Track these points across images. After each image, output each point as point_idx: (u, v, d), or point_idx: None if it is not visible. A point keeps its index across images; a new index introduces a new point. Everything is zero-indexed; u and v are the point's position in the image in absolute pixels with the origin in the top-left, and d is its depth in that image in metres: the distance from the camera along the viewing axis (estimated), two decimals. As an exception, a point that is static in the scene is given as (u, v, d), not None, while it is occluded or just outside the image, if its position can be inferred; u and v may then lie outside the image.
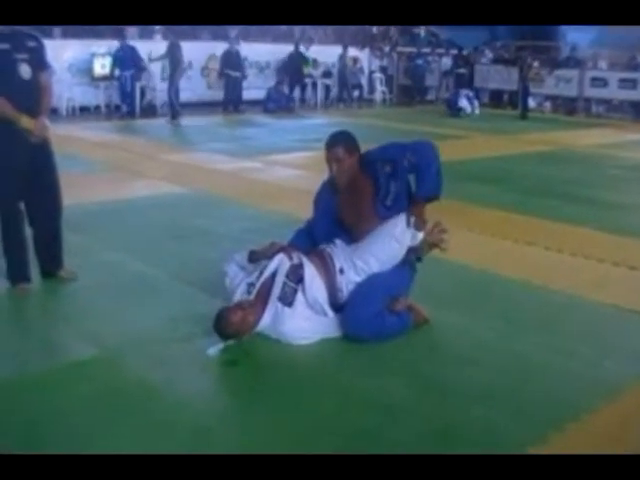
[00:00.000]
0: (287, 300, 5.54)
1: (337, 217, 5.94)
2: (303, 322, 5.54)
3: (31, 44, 6.29)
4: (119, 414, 4.50)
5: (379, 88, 26.52)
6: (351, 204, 5.88)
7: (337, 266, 5.66)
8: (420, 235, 5.73)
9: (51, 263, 6.66)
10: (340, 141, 5.87)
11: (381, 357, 5.36)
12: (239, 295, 5.67)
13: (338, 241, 5.81)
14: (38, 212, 6.46)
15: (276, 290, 5.55)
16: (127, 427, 4.35)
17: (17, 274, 6.41)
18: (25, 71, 6.19)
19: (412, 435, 4.36)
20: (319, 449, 4.14)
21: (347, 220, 5.90)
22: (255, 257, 5.83)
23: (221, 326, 5.39)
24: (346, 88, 25.26)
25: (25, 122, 6.14)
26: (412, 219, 5.65)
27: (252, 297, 5.58)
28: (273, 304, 5.52)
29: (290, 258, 5.66)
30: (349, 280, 5.64)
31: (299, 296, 5.57)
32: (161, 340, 5.54)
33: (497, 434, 4.38)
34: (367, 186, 5.80)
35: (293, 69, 24.09)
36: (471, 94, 23.41)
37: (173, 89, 18.98)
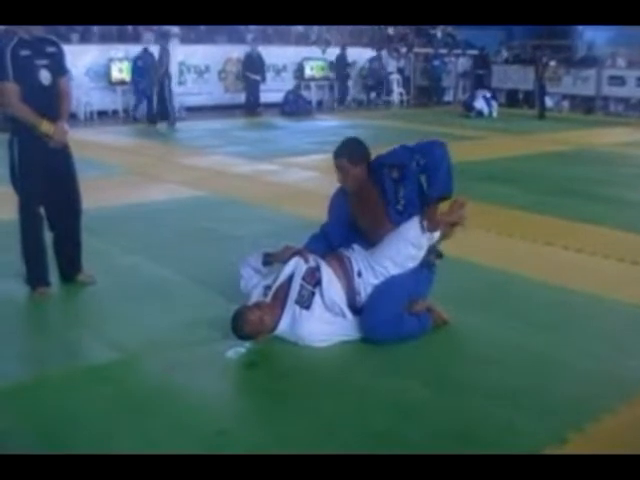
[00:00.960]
0: (304, 303, 5.54)
1: (352, 222, 5.94)
2: (321, 325, 5.53)
3: (51, 50, 6.34)
4: (138, 417, 4.51)
5: (396, 89, 26.47)
6: (364, 211, 5.90)
7: (355, 269, 5.65)
8: (437, 235, 5.71)
9: (70, 267, 6.69)
10: (344, 152, 5.90)
11: (399, 358, 5.35)
12: (255, 297, 5.67)
13: (356, 245, 5.80)
14: (58, 216, 6.51)
15: (293, 293, 5.54)
16: (145, 430, 4.36)
17: (37, 278, 6.42)
18: (45, 77, 6.24)
19: (430, 435, 4.35)
20: (337, 449, 4.14)
21: (362, 225, 5.90)
22: (270, 260, 5.84)
23: (238, 325, 5.40)
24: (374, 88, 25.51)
25: (45, 127, 6.18)
26: (425, 223, 5.61)
27: (269, 299, 5.58)
28: (290, 307, 5.52)
29: (306, 261, 5.65)
30: (367, 283, 5.63)
31: (317, 299, 5.56)
32: (179, 343, 5.55)
33: (516, 434, 4.36)
34: (376, 193, 5.81)
35: (339, 70, 24.57)
36: (488, 95, 23.34)
37: (167, 94, 18.94)
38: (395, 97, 26.47)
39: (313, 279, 5.59)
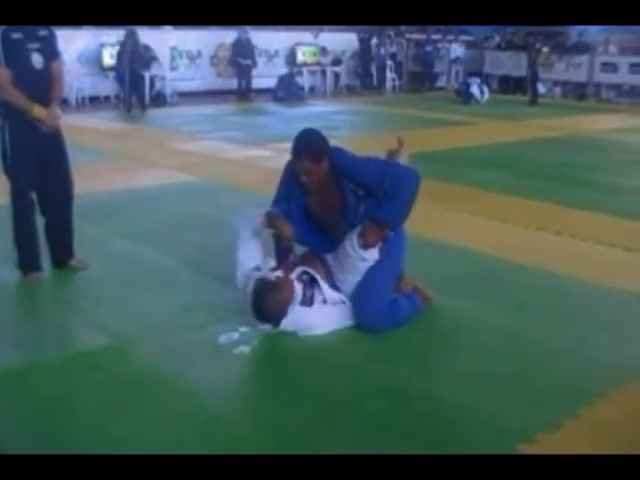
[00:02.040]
0: (307, 302, 5.54)
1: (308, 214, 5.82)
2: (321, 315, 5.52)
3: (43, 33, 6.26)
4: (131, 402, 4.51)
5: (389, 75, 26.42)
6: (321, 208, 5.73)
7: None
8: (375, 251, 5.58)
9: (62, 252, 6.68)
10: (304, 152, 5.48)
11: (392, 343, 5.36)
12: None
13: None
14: (49, 201, 6.48)
15: (297, 296, 5.51)
16: (140, 415, 4.36)
17: (28, 263, 6.41)
18: (37, 60, 6.20)
19: (423, 421, 4.36)
20: (330, 435, 4.17)
21: (319, 218, 5.80)
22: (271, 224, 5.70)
23: (267, 301, 5.35)
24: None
25: (37, 111, 6.15)
26: (361, 241, 5.49)
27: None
28: (293, 308, 5.49)
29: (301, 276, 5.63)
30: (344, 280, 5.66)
31: (317, 295, 5.56)
32: (173, 329, 5.55)
33: (509, 420, 4.37)
34: (336, 202, 5.63)
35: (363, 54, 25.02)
36: (478, 80, 23.33)
37: (136, 79, 18.85)
38: (387, 83, 26.42)
39: (309, 280, 5.61)
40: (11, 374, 4.85)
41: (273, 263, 5.56)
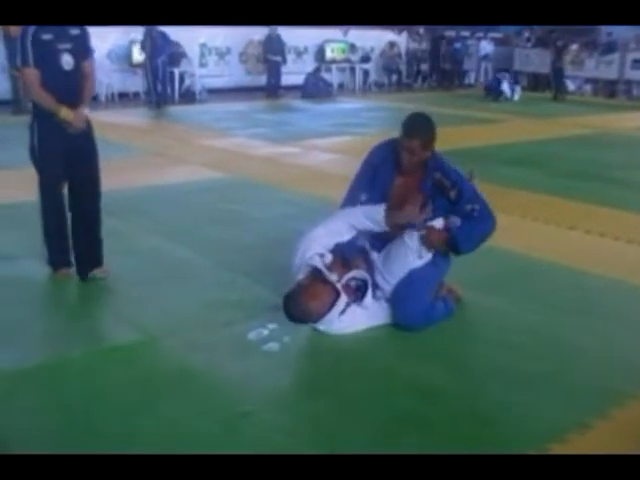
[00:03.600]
0: (357, 299, 5.55)
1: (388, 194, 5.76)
2: (354, 316, 5.49)
3: (74, 32, 6.15)
4: (160, 397, 4.52)
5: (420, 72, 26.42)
6: (401, 196, 5.67)
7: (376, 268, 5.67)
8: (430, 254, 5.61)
9: (88, 259, 6.46)
10: (418, 134, 5.55)
11: (421, 341, 5.34)
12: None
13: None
14: (77, 198, 6.39)
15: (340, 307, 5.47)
16: (168, 410, 4.36)
17: (58, 259, 6.40)
18: (67, 62, 6.09)
19: (452, 418, 4.34)
20: (360, 433, 4.16)
21: (393, 201, 5.78)
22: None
23: (300, 299, 5.35)
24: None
25: (64, 113, 6.06)
26: (423, 240, 5.52)
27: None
28: (341, 303, 5.46)
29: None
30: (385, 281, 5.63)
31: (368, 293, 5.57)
32: (202, 325, 5.55)
33: (539, 420, 4.34)
34: (415, 194, 5.63)
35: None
36: (508, 76, 23.25)
37: (152, 75, 18.88)
38: (419, 80, 26.38)
39: (356, 287, 5.60)
40: (41, 370, 4.87)
41: (329, 259, 5.54)
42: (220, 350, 5.17)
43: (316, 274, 5.42)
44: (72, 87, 6.18)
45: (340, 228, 5.60)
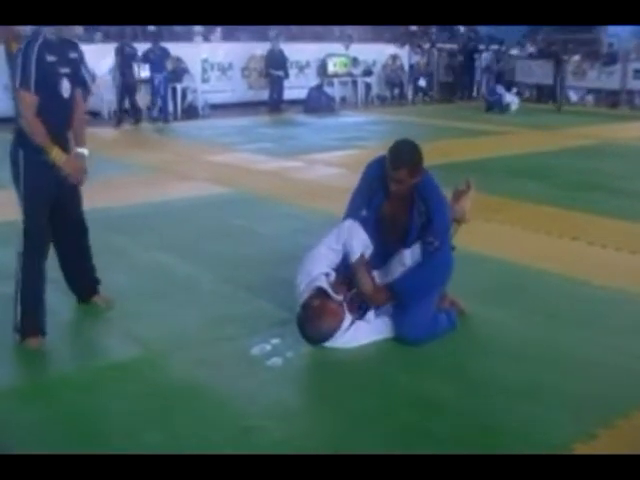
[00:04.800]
0: (361, 315, 5.58)
1: (378, 218, 5.80)
2: (358, 332, 5.51)
3: (73, 55, 5.59)
4: (164, 413, 4.52)
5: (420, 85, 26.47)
6: (392, 218, 5.72)
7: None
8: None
9: (84, 289, 6.18)
10: (405, 163, 5.48)
11: (424, 354, 5.35)
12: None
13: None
14: (65, 236, 5.91)
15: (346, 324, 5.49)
16: (172, 426, 4.37)
17: (31, 325, 5.51)
18: (66, 88, 5.50)
19: (457, 430, 4.35)
20: (362, 445, 4.16)
21: (387, 228, 5.77)
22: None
23: (315, 317, 5.35)
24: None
25: (56, 155, 5.44)
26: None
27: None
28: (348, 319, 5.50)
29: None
30: None
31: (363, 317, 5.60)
32: (205, 340, 5.56)
33: (543, 429, 4.35)
34: (406, 217, 5.67)
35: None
36: (503, 89, 23.27)
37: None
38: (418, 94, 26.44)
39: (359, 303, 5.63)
40: (44, 386, 4.89)
41: (333, 277, 5.56)
42: (224, 365, 5.18)
43: (322, 294, 5.42)
44: (67, 118, 5.64)
45: (338, 247, 5.60)
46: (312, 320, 5.34)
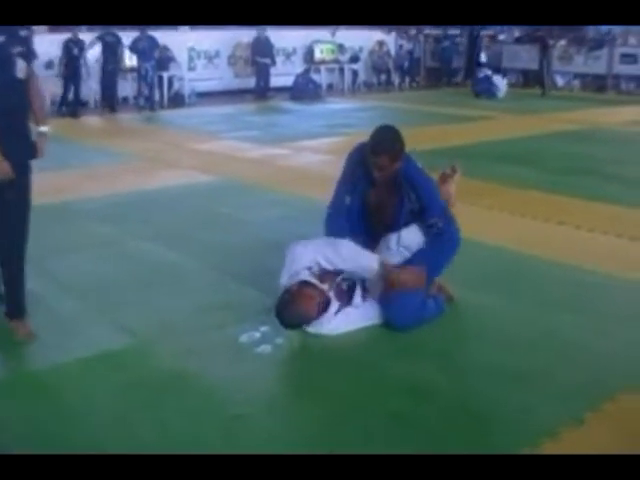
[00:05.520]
0: (347, 301, 5.56)
1: (364, 205, 5.82)
2: (346, 318, 5.50)
3: (24, 33, 5.19)
4: (152, 402, 4.52)
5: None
6: (378, 203, 5.73)
7: None
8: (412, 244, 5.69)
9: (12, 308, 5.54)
10: (385, 149, 5.47)
11: (413, 340, 5.35)
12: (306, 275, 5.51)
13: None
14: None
15: (333, 310, 5.50)
16: (160, 415, 4.36)
17: None
18: (21, 69, 5.13)
19: (447, 418, 4.34)
20: (353, 433, 4.17)
21: (373, 212, 5.79)
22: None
23: (290, 305, 5.33)
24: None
25: None
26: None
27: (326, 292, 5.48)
28: (333, 306, 5.50)
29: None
30: None
31: (357, 293, 5.59)
32: (194, 328, 5.55)
33: (533, 416, 4.36)
34: (392, 201, 5.67)
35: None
36: (489, 72, 23.28)
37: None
38: (405, 79, 26.41)
39: (347, 288, 5.62)
40: (33, 376, 4.87)
41: (317, 270, 5.54)
42: (213, 353, 5.17)
43: (305, 283, 5.42)
44: (24, 101, 5.27)
45: (333, 258, 5.58)
46: (288, 304, 5.32)
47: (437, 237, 5.61)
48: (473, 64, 26.71)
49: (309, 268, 5.52)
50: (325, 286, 5.44)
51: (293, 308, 5.32)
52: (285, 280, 5.50)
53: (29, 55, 5.28)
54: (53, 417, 4.37)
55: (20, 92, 5.21)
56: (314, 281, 5.41)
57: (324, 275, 5.51)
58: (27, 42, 5.25)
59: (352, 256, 5.52)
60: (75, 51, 18.04)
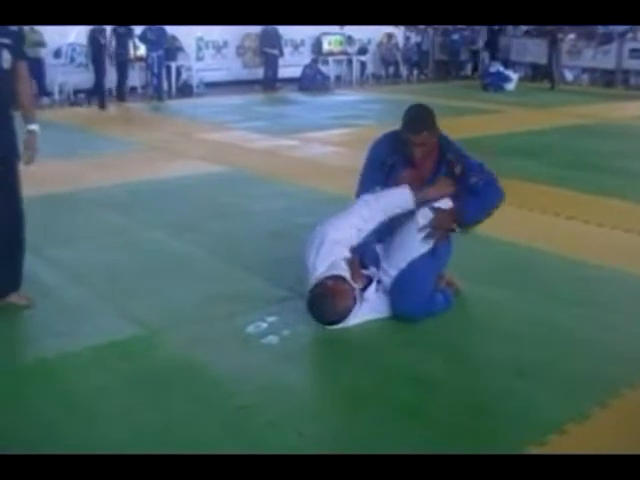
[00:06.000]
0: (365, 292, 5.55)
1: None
2: (357, 311, 5.48)
3: (13, 27, 5.26)
4: (159, 391, 4.53)
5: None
6: (414, 183, 5.66)
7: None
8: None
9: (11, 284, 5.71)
10: (425, 126, 5.54)
11: (421, 333, 5.35)
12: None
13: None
14: None
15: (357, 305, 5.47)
16: (166, 404, 4.37)
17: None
18: (6, 59, 5.19)
19: (452, 411, 4.34)
20: (358, 425, 4.17)
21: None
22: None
23: (328, 301, 5.28)
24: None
25: None
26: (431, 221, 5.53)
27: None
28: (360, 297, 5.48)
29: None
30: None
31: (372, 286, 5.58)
32: (201, 318, 5.56)
33: (539, 410, 4.35)
34: (428, 177, 5.66)
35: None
36: (501, 68, 23.24)
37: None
38: (414, 72, 26.37)
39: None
40: (41, 365, 4.88)
41: (350, 259, 5.49)
42: (219, 343, 5.17)
43: (340, 279, 5.36)
44: (9, 90, 5.32)
45: (359, 223, 5.54)
46: (326, 298, 5.26)
47: (483, 189, 5.60)
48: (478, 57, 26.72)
49: (346, 259, 5.46)
50: (357, 285, 5.42)
51: (333, 303, 5.27)
52: (322, 269, 5.39)
53: (18, 49, 5.34)
54: (60, 405, 4.38)
55: (5, 82, 5.24)
56: (349, 279, 5.36)
57: (354, 271, 5.46)
58: (16, 36, 5.31)
59: (385, 198, 5.53)
60: (101, 40, 18.04)
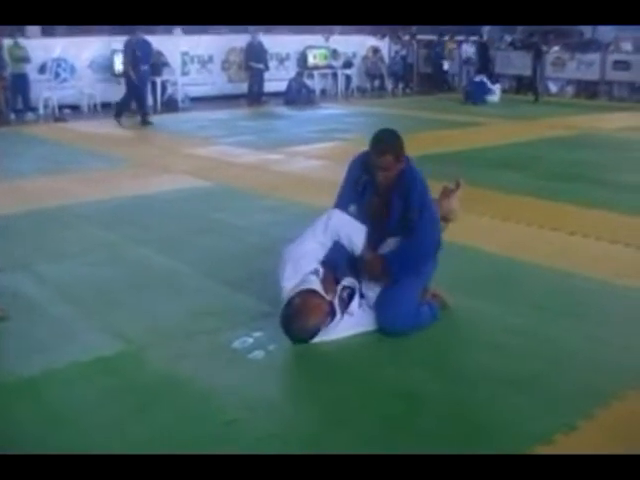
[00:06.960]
0: (345, 308, 5.54)
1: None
2: (342, 325, 5.47)
3: None
4: (145, 407, 4.50)
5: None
6: (376, 210, 5.67)
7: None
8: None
9: None
10: (389, 149, 5.48)
11: (407, 345, 5.34)
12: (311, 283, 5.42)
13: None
14: None
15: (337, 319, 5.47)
16: (153, 420, 4.35)
17: None
18: None
19: (439, 424, 4.34)
20: (346, 439, 4.15)
21: (371, 219, 5.75)
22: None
23: (300, 316, 5.25)
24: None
25: None
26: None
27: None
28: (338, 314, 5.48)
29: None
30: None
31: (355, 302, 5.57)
32: (187, 334, 5.54)
33: (526, 422, 4.35)
34: (387, 207, 5.63)
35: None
36: (486, 80, 23.32)
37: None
38: (399, 85, 26.44)
39: (347, 297, 5.58)
40: (26, 381, 4.86)
41: (322, 273, 5.49)
42: (205, 359, 5.16)
43: (311, 293, 5.35)
44: None
45: (326, 240, 5.55)
46: (296, 317, 5.26)
47: (412, 230, 5.51)
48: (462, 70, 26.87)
49: (315, 272, 5.47)
50: (330, 296, 5.42)
51: (303, 321, 5.26)
52: (290, 285, 5.41)
53: None
54: (45, 422, 4.36)
55: None
56: (321, 291, 5.37)
57: (329, 283, 5.48)
58: None
59: (344, 227, 5.52)
60: (137, 52, 17.67)
